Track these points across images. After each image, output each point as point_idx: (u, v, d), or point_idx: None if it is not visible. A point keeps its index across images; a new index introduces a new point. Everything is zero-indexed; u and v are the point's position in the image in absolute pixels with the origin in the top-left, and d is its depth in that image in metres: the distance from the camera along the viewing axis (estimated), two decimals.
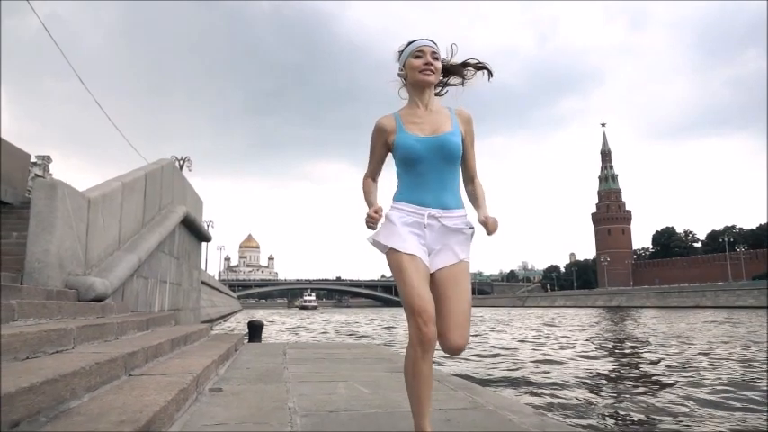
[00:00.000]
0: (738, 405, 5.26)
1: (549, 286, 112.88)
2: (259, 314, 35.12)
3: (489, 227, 1.67)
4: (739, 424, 4.57)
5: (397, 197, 1.71)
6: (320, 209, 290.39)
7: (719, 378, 7.02)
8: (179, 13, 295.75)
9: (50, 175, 47.05)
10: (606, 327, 20.99)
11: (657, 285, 72.83)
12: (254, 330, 7.20)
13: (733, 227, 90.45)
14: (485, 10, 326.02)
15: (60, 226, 4.09)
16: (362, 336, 16.59)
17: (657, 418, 4.80)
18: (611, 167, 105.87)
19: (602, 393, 6.01)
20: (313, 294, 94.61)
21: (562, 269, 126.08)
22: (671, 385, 6.59)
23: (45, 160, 49.22)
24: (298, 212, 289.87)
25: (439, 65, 1.73)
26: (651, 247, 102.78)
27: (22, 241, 5.42)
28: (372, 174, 1.84)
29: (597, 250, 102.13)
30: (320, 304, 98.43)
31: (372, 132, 1.76)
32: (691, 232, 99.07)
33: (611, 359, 9.66)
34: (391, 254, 1.62)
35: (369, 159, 1.82)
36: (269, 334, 16.42)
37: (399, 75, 1.79)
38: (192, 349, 3.80)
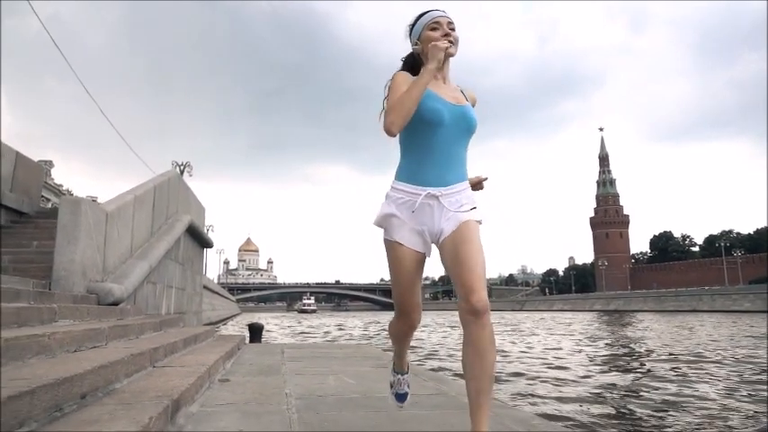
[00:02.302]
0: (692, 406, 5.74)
1: (547, 290, 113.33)
2: (257, 317, 35.56)
3: (480, 184, 1.81)
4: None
5: (398, 176, 1.65)
6: (319, 212, 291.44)
7: (685, 378, 7.50)
8: (179, 14, 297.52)
9: (52, 179, 47.53)
10: (594, 330, 21.45)
11: (655, 289, 73.27)
12: (255, 332, 7.68)
13: (730, 231, 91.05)
14: (485, 11, 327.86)
15: (83, 238, 4.58)
16: (357, 338, 17.07)
17: (616, 412, 5.29)
18: (608, 172, 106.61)
19: (569, 390, 6.49)
20: (312, 298, 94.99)
21: (561, 273, 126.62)
22: (638, 381, 7.08)
23: (47, 165, 49.78)
24: (297, 215, 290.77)
25: (457, 35, 1.65)
26: (649, 251, 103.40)
27: (42, 250, 5.92)
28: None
29: (595, 254, 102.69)
30: (319, 308, 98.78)
31: (393, 80, 1.62)
32: (688, 236, 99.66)
33: (590, 360, 10.13)
34: (386, 240, 1.64)
35: (390, 97, 1.59)
36: (268, 336, 16.88)
37: (414, 49, 1.71)
38: (200, 347, 4.28)
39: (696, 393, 6.18)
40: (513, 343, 14.53)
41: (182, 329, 5.09)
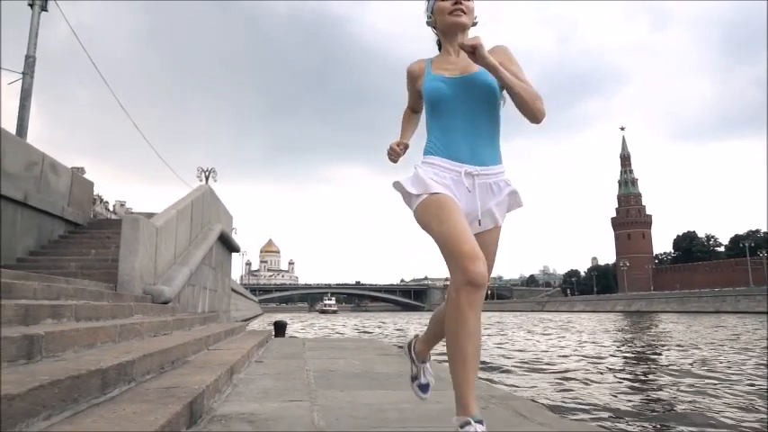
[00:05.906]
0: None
1: (569, 291, 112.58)
2: (279, 318, 36.65)
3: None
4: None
5: (427, 150, 1.55)
6: (339, 213, 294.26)
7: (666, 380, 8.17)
8: (199, 18, 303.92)
9: None
10: (605, 330, 21.90)
11: (678, 290, 72.42)
12: (280, 328, 8.67)
13: (757, 231, 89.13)
14: (503, 10, 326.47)
15: (141, 249, 5.57)
16: (373, 335, 17.98)
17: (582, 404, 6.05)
18: (630, 171, 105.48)
19: (549, 380, 7.27)
20: (333, 298, 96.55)
21: (582, 274, 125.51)
22: (614, 378, 7.80)
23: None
24: (317, 217, 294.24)
25: (471, 4, 1.57)
26: (672, 251, 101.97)
27: (99, 257, 6.97)
28: (413, 106, 1.77)
29: (617, 255, 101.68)
30: (339, 308, 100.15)
31: (406, 73, 1.71)
32: (713, 237, 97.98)
33: (582, 356, 10.81)
34: (420, 201, 1.45)
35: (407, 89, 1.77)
36: (290, 332, 17.93)
37: (428, 23, 1.66)
38: (238, 338, 5.23)
39: (695, 386, 6.85)
40: (515, 339, 15.23)
41: (220, 324, 6.06)
